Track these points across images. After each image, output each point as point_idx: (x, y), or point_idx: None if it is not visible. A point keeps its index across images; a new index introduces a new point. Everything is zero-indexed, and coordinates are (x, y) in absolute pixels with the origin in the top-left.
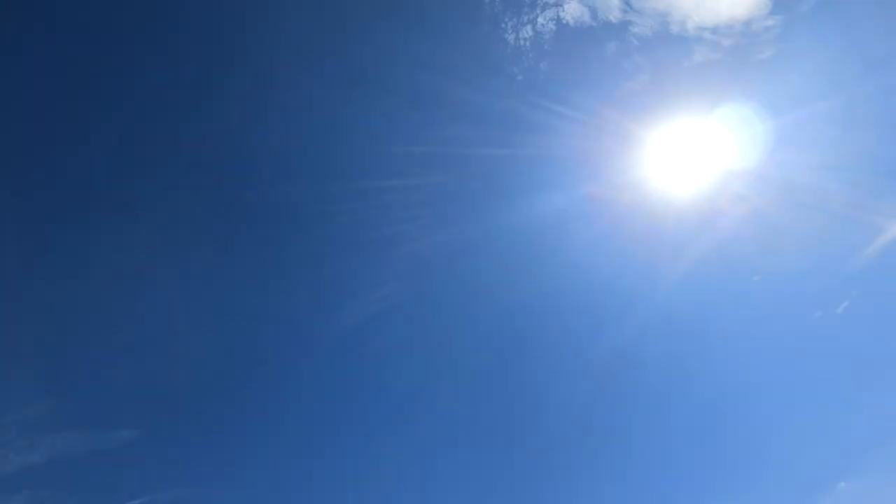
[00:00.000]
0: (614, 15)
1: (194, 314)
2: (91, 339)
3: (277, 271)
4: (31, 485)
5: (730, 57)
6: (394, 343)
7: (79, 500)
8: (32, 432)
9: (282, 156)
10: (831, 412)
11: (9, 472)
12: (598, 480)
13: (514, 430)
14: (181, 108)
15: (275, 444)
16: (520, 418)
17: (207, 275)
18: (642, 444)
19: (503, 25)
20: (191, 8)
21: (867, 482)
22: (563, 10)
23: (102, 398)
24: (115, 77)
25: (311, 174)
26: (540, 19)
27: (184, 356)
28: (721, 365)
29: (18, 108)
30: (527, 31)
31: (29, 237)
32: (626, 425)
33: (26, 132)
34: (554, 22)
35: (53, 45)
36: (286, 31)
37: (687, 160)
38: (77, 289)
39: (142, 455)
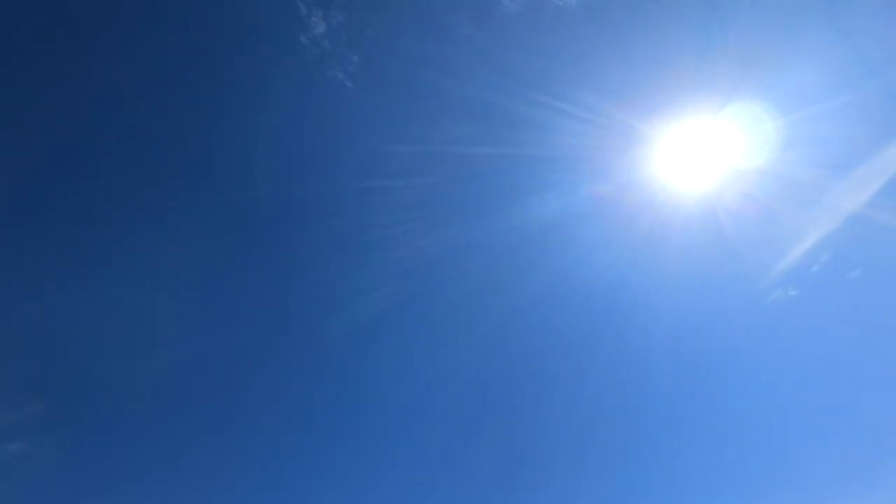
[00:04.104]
0: (620, 11)
1: (185, 315)
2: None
3: (276, 271)
4: None
5: (737, 55)
6: (395, 345)
7: None
8: None
9: (282, 156)
10: (840, 412)
11: None
12: (602, 483)
13: (517, 432)
14: (179, 108)
15: (265, 450)
16: (522, 421)
17: (203, 275)
18: (647, 445)
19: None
20: (193, 8)
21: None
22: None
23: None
24: (116, 76)
25: (310, 174)
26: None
27: (172, 357)
28: (728, 365)
29: (24, 108)
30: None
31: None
32: (631, 427)
33: (30, 133)
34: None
35: (55, 46)
36: (285, 31)
37: (692, 159)
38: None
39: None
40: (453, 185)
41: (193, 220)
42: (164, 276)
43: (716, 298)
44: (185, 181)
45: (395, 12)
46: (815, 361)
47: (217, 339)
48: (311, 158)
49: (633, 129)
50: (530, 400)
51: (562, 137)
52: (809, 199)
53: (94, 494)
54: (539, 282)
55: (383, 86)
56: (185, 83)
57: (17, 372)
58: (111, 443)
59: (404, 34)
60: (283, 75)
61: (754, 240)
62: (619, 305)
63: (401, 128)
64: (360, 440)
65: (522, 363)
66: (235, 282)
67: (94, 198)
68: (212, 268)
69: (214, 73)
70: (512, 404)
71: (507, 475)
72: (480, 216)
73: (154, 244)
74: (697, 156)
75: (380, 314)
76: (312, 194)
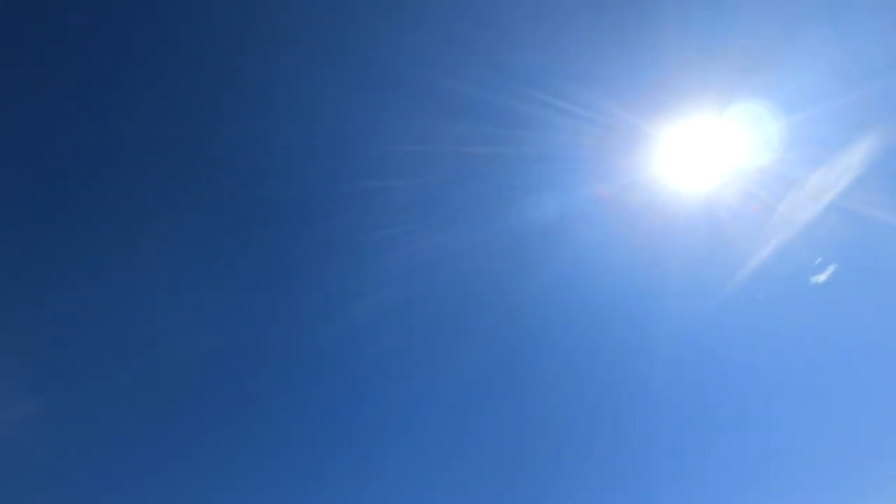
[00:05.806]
0: (621, 10)
1: (182, 315)
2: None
3: (274, 272)
4: None
5: (739, 54)
6: (394, 346)
7: None
8: None
9: (280, 156)
10: (842, 413)
11: None
12: (602, 486)
13: (517, 434)
14: (178, 106)
15: (263, 451)
16: (523, 424)
17: (200, 275)
18: (648, 448)
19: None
20: (194, 5)
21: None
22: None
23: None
24: (116, 74)
25: (310, 174)
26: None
27: (168, 357)
28: (732, 368)
29: (22, 106)
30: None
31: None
32: (633, 430)
33: (29, 131)
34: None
35: (54, 43)
36: (284, 29)
37: (694, 159)
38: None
39: None
40: (453, 185)
41: (191, 220)
42: (161, 275)
43: (720, 298)
44: (183, 181)
45: (396, 11)
46: (818, 361)
47: (214, 339)
48: (311, 158)
49: (635, 129)
50: (530, 401)
51: (562, 137)
52: (813, 198)
53: (92, 495)
54: (539, 281)
55: (382, 85)
56: (183, 82)
57: (16, 371)
58: (109, 443)
59: (404, 33)
60: (283, 74)
61: (757, 239)
62: (621, 306)
63: (401, 128)
64: (359, 442)
65: (526, 367)
66: (233, 282)
67: (91, 198)
68: (209, 268)
69: (214, 71)
70: (512, 406)
71: (508, 476)
72: (481, 216)
73: (152, 244)
74: (699, 156)
75: (379, 315)
76: (312, 194)
